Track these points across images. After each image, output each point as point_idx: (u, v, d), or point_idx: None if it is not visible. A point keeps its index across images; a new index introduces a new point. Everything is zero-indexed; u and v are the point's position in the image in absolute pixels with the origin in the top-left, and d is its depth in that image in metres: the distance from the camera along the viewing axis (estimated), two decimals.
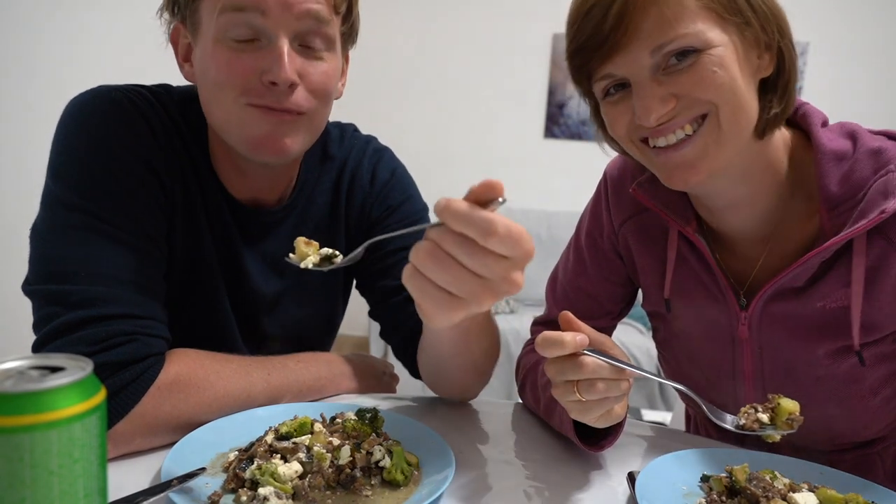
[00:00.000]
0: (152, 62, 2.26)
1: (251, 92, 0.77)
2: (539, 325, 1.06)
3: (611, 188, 0.96)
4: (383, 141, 1.08)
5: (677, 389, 0.71)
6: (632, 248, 0.94)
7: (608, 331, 1.02)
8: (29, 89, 1.91)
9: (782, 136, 0.82)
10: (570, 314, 0.69)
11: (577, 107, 3.92)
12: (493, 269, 0.51)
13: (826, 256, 0.77)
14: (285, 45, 0.76)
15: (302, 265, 0.65)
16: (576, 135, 3.95)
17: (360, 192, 1.00)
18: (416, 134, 4.00)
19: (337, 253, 0.65)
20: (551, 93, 3.94)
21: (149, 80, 0.90)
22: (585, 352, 0.65)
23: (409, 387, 1.04)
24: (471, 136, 4.06)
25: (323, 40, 0.80)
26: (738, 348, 0.87)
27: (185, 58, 0.85)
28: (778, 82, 0.77)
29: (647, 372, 0.69)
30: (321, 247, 0.66)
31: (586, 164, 3.97)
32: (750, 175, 0.80)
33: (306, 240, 0.67)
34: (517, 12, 3.89)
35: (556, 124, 3.97)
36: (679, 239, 0.89)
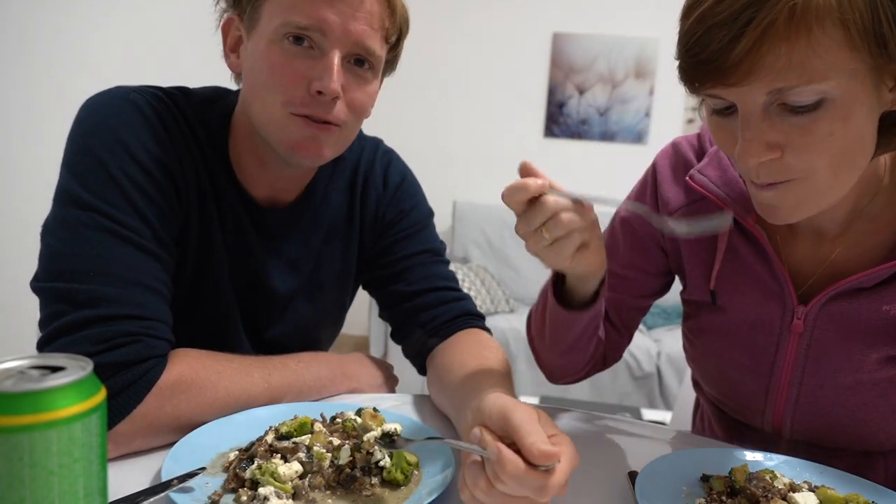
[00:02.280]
0: (155, 63, 2.26)
1: (296, 101, 0.81)
2: None
3: (661, 178, 0.94)
4: (384, 139, 1.09)
5: None
6: (679, 240, 0.93)
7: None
8: (32, 90, 1.91)
9: None
10: (529, 163, 0.71)
11: (577, 106, 3.92)
12: (544, 496, 0.56)
13: None
14: (336, 58, 0.80)
15: (364, 438, 0.68)
16: (576, 134, 3.94)
17: (374, 194, 1.03)
18: (417, 133, 4.00)
19: (399, 430, 0.69)
20: (551, 92, 3.93)
21: (154, 80, 0.90)
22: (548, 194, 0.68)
23: (409, 387, 1.05)
24: (471, 135, 4.06)
25: (370, 63, 0.84)
26: (784, 341, 0.84)
27: (232, 49, 0.88)
28: None
29: (606, 200, 0.69)
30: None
31: (586, 164, 4.01)
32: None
33: (373, 412, 0.72)
34: (517, 12, 3.89)
35: (556, 124, 3.97)
36: (733, 229, 0.86)
